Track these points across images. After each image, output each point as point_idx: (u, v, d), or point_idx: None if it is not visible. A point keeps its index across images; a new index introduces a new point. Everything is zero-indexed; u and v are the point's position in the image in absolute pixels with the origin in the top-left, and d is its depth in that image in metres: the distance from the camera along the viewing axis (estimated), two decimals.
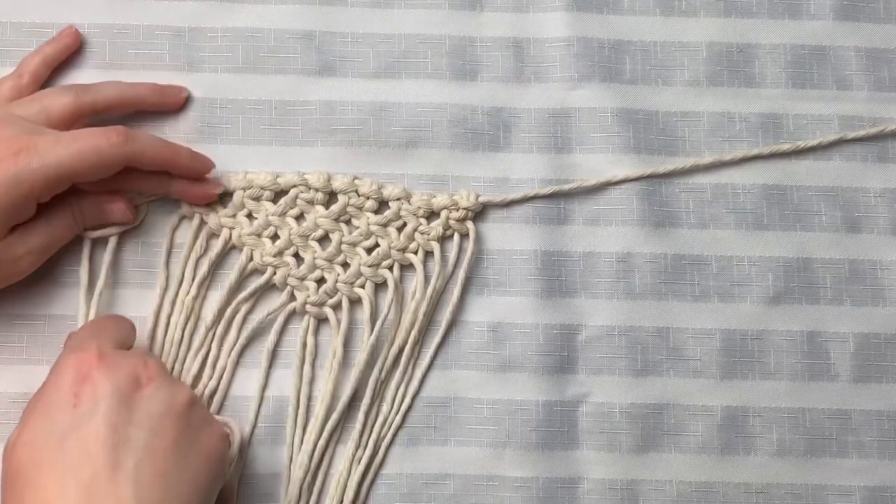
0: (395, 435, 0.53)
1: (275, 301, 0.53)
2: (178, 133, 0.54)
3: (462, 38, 0.57)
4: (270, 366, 0.53)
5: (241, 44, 0.56)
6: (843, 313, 0.55)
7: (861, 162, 0.56)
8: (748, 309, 0.55)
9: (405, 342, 0.53)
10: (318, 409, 0.52)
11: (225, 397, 0.52)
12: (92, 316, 0.52)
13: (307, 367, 0.53)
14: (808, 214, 0.56)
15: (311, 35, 0.56)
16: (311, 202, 0.54)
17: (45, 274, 0.53)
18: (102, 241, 0.53)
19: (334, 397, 0.52)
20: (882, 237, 0.56)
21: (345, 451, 0.52)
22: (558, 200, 0.55)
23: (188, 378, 0.52)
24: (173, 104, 0.54)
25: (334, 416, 0.52)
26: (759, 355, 0.54)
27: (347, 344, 0.53)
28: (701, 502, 0.53)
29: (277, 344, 0.53)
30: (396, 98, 0.56)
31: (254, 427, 0.52)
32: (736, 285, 0.55)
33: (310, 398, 0.52)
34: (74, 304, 0.52)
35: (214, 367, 0.52)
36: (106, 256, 0.52)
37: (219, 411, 0.52)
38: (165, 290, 0.53)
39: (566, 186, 0.55)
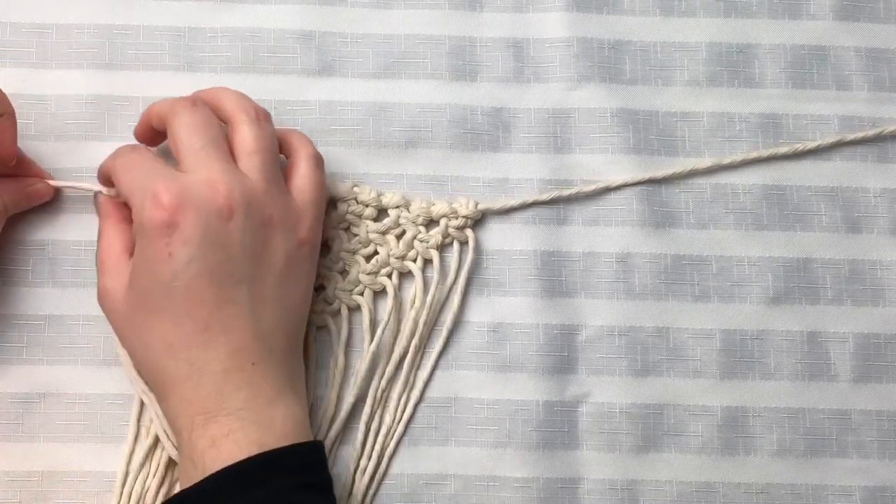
0: (398, 442, 0.53)
1: None
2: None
3: (462, 38, 0.57)
4: None
5: (240, 44, 0.56)
6: (842, 313, 0.55)
7: (861, 162, 0.57)
8: (748, 309, 0.55)
9: (406, 350, 0.53)
10: (321, 419, 0.52)
11: None
12: None
13: (310, 373, 0.52)
14: (808, 214, 0.56)
15: (310, 35, 0.56)
16: None
17: (45, 274, 0.53)
18: None
19: (337, 406, 0.52)
20: (882, 237, 0.56)
21: (347, 459, 0.52)
22: (558, 201, 0.55)
23: None
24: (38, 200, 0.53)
25: (336, 426, 0.52)
26: (759, 355, 0.54)
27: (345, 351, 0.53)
28: (701, 502, 0.53)
29: None
30: (396, 98, 0.56)
31: None
32: (736, 285, 0.55)
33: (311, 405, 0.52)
34: (74, 304, 0.52)
35: None
36: None
37: None
38: None
39: (565, 192, 0.55)
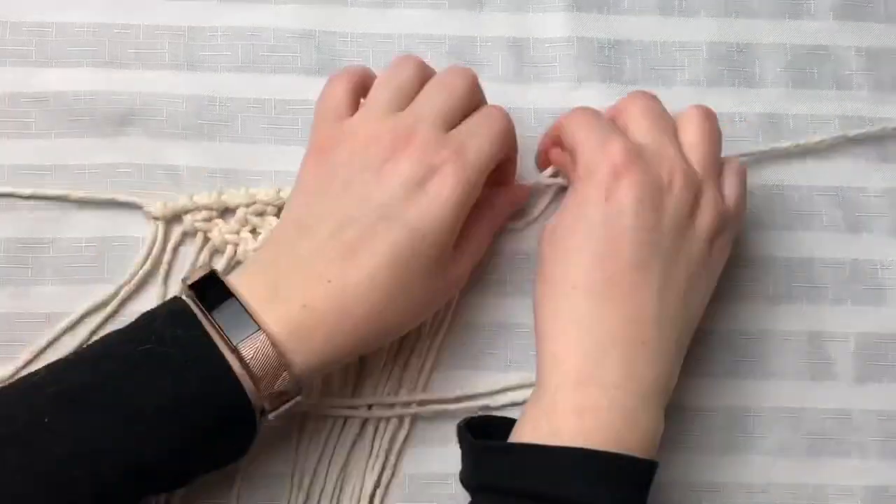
0: (404, 442, 0.52)
1: None
2: (177, 131, 0.54)
3: (462, 38, 0.57)
4: None
5: (240, 43, 0.56)
6: (844, 313, 0.55)
7: (862, 162, 0.56)
8: (748, 309, 0.54)
9: (411, 351, 0.53)
10: (332, 424, 0.52)
11: None
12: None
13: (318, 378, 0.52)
14: (808, 214, 0.56)
15: (310, 35, 0.56)
16: None
17: (45, 274, 0.53)
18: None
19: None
20: (883, 237, 0.56)
21: (357, 461, 0.52)
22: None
23: None
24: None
25: (353, 430, 0.52)
26: (759, 355, 0.54)
27: None
28: (701, 502, 0.52)
29: None
30: None
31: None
32: (736, 285, 0.55)
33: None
34: (74, 304, 0.52)
35: None
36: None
37: None
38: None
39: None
